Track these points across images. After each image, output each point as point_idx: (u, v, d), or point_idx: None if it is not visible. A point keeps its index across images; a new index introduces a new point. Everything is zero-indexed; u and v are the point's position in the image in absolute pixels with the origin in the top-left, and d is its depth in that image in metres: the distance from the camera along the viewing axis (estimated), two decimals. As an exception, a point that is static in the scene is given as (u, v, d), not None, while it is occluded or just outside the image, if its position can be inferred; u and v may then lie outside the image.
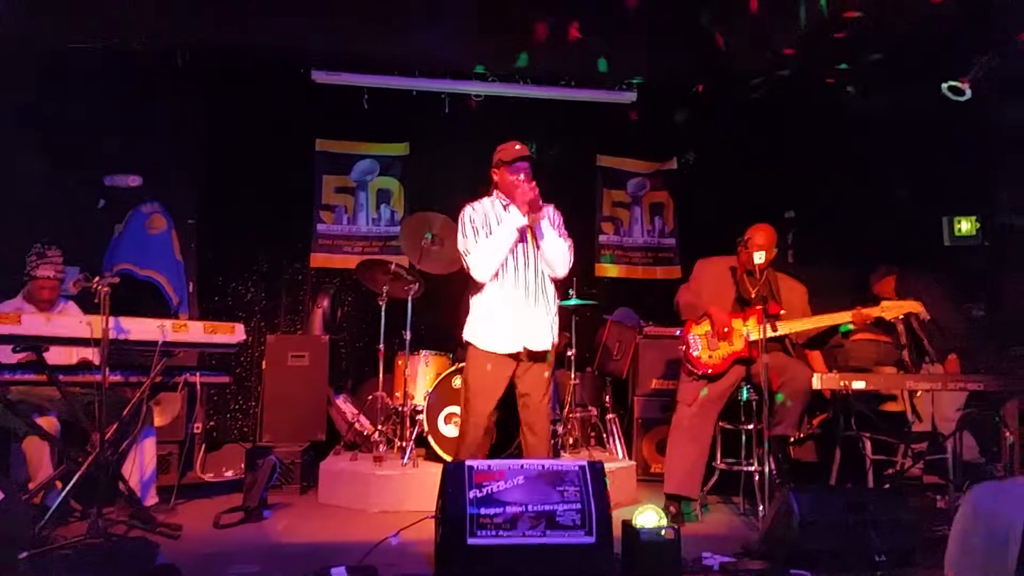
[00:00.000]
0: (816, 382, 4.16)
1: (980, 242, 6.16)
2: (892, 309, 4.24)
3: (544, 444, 3.85)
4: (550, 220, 3.96)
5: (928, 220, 6.35)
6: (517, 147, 3.93)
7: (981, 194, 6.28)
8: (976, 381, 4.22)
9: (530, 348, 3.82)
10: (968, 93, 5.45)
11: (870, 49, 5.62)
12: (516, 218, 3.79)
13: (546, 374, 3.88)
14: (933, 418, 4.80)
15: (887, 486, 4.66)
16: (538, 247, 3.89)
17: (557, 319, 3.99)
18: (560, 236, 3.95)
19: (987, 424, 4.64)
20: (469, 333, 3.91)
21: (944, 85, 5.52)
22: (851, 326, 4.30)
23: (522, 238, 3.87)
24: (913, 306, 4.27)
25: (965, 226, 6.21)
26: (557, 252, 3.89)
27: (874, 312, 4.23)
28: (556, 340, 3.96)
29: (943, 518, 4.02)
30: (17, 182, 5.55)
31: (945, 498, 4.49)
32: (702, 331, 4.44)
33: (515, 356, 3.81)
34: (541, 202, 3.85)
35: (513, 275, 3.85)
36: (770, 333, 4.07)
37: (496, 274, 3.82)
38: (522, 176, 3.86)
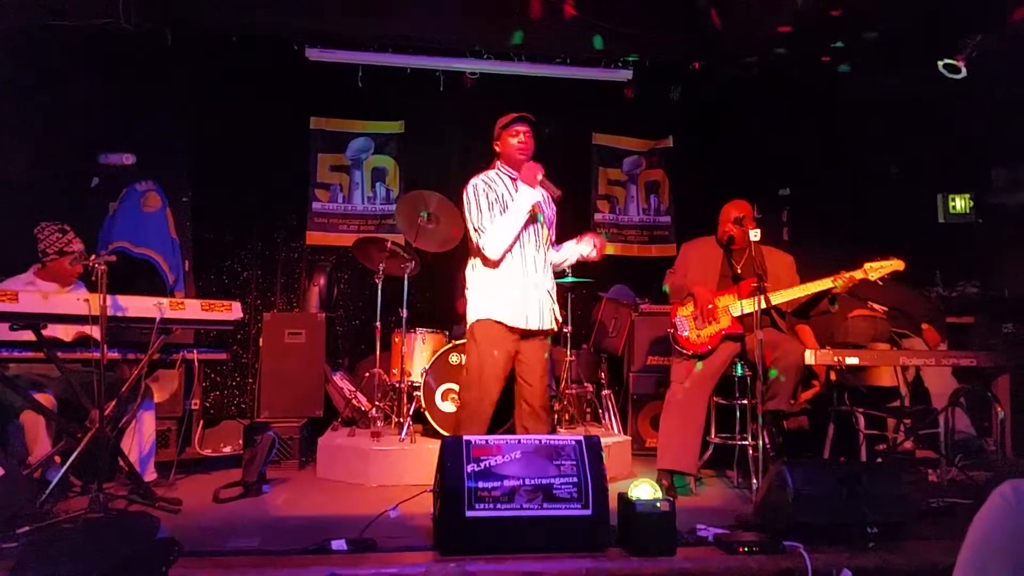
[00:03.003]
0: (809, 357, 4.19)
1: (974, 220, 6.21)
2: (875, 270, 4.20)
3: (544, 420, 3.86)
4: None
5: (923, 198, 6.39)
6: (515, 114, 3.93)
7: (975, 172, 6.32)
8: (968, 357, 4.25)
9: (544, 328, 3.86)
10: (964, 71, 5.47)
11: (866, 27, 5.60)
12: (529, 193, 3.78)
13: (545, 352, 3.90)
14: (908, 390, 4.86)
15: (879, 460, 4.71)
16: (548, 219, 3.94)
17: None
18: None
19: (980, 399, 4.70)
20: (479, 309, 3.84)
21: (940, 63, 5.54)
22: (835, 290, 4.28)
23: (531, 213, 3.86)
24: (896, 264, 4.20)
25: (959, 204, 6.26)
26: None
27: (857, 275, 4.21)
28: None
29: (935, 491, 4.09)
30: (8, 162, 5.52)
31: (936, 472, 4.55)
32: (688, 312, 4.46)
33: (529, 333, 3.81)
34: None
35: (523, 251, 3.84)
36: (762, 306, 4.08)
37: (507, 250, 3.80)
38: (522, 137, 3.87)
